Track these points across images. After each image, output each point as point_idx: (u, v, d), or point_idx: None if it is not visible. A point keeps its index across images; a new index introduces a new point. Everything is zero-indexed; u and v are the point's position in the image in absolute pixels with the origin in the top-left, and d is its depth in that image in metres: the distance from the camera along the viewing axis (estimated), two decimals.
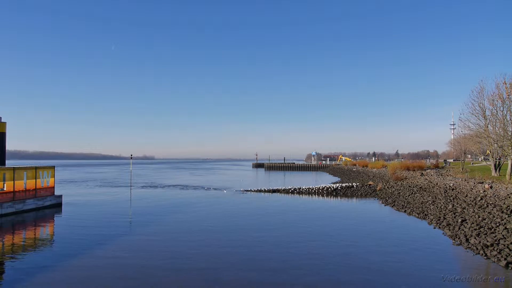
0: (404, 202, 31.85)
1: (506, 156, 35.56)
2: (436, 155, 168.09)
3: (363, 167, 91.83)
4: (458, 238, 18.10)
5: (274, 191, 44.31)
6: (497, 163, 39.42)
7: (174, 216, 26.96)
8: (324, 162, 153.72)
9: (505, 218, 19.82)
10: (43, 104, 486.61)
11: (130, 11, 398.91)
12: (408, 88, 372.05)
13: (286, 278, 12.92)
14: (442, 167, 66.72)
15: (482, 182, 31.96)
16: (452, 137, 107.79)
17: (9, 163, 44.13)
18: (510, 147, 33.49)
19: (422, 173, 53.57)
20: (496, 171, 38.85)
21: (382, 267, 14.17)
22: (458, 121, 46.17)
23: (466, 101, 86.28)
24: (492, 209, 22.45)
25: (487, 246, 15.98)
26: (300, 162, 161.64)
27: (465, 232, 18.83)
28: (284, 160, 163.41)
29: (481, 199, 26.07)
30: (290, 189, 44.18)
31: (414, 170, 59.68)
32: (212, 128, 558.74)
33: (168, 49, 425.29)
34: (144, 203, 35.15)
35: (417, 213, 25.99)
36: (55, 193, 32.38)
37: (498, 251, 15.11)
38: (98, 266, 14.19)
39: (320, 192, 42.79)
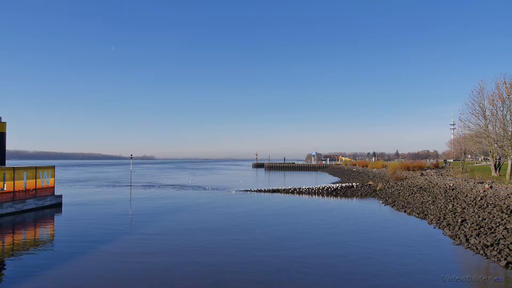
0: (404, 202, 31.85)
1: (506, 156, 35.56)
2: (436, 155, 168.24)
3: (363, 167, 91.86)
4: (458, 238, 18.10)
5: (274, 191, 44.30)
6: (497, 163, 39.43)
7: (174, 216, 26.95)
8: (324, 162, 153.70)
9: (505, 218, 19.82)
10: (43, 104, 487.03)
11: (130, 11, 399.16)
12: (408, 88, 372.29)
13: (287, 278, 12.92)
14: (442, 167, 66.73)
15: (482, 182, 31.96)
16: (452, 137, 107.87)
17: (9, 163, 44.12)
18: (510, 147, 33.49)
19: (422, 173, 53.58)
20: (496, 171, 38.86)
21: (382, 266, 14.17)
22: (458, 121, 46.22)
23: (466, 101, 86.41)
24: (492, 209, 22.45)
25: (487, 246, 15.98)
26: (300, 162, 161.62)
27: (465, 232, 18.83)
28: (284, 160, 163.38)
29: (481, 199, 26.06)
30: (290, 189, 44.17)
31: (414, 170, 59.72)
32: (212, 128, 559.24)
33: (169, 49, 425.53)
34: (144, 203, 35.15)
35: (417, 213, 25.99)
36: (55, 193, 32.39)
37: (498, 251, 15.11)
38: (98, 266, 14.18)
39: (320, 192, 42.78)
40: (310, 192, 42.94)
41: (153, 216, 26.69)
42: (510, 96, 33.83)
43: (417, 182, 43.72)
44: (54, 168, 33.11)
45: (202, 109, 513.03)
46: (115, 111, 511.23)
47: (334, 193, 42.01)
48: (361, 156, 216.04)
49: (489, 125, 37.63)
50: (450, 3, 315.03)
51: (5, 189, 27.00)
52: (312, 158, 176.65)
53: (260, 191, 44.83)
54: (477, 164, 67.59)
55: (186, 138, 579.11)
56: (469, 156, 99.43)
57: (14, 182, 27.75)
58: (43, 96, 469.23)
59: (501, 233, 17.31)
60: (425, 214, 25.26)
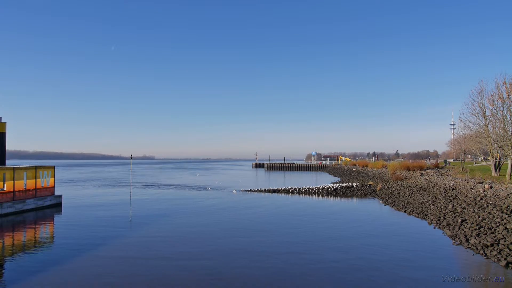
0: (404, 202, 31.85)
1: (506, 156, 35.55)
2: (436, 155, 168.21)
3: (363, 167, 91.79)
4: (458, 238, 18.10)
5: (274, 191, 44.29)
6: (497, 163, 39.41)
7: (175, 216, 26.95)
8: (324, 162, 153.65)
9: (505, 218, 19.82)
10: (43, 104, 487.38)
11: (130, 11, 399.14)
12: (408, 88, 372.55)
13: (288, 278, 12.92)
14: (442, 167, 66.70)
15: (482, 182, 31.96)
16: (452, 137, 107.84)
17: (9, 163, 44.11)
18: (510, 147, 33.49)
19: (422, 173, 53.56)
20: (496, 171, 38.84)
21: (382, 267, 14.17)
22: (458, 121, 46.19)
23: (466, 101, 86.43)
24: (492, 209, 22.45)
25: (487, 246, 15.98)
26: (300, 162, 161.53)
27: (465, 232, 18.83)
28: (284, 160, 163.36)
29: (481, 199, 26.06)
30: (290, 189, 44.17)
31: (414, 170, 59.66)
32: (212, 128, 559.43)
33: (168, 49, 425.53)
34: (144, 203, 35.14)
35: (417, 213, 25.98)
36: (55, 193, 32.38)
37: (498, 251, 15.11)
38: (98, 266, 14.18)
39: (320, 192, 42.78)
40: (310, 192, 42.93)
41: (154, 217, 26.68)
42: (510, 96, 33.83)
43: (417, 182, 43.71)
44: (54, 168, 33.10)
45: (202, 109, 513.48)
46: (115, 111, 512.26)
47: (334, 193, 42.00)
48: (361, 156, 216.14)
49: (489, 125, 37.62)
50: (450, 3, 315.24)
51: (5, 189, 27.00)
52: (312, 158, 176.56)
53: (260, 191, 44.83)
54: (477, 164, 67.58)
55: (186, 138, 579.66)
56: (469, 156, 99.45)
57: (14, 182, 27.74)
58: (43, 96, 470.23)
59: (501, 233, 17.31)
60: (425, 214, 25.25)
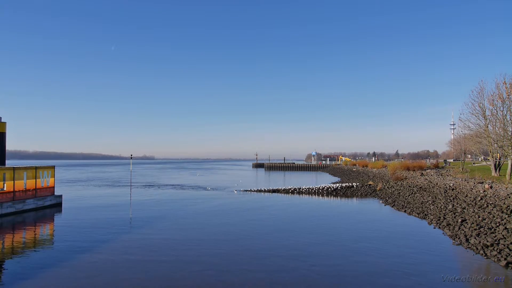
0: (404, 202, 31.85)
1: (506, 156, 35.54)
2: (436, 155, 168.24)
3: (363, 167, 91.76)
4: (458, 238, 18.10)
5: (274, 191, 44.29)
6: (497, 163, 39.41)
7: (175, 216, 26.95)
8: (324, 162, 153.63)
9: (505, 218, 19.82)
10: (43, 104, 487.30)
11: (130, 11, 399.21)
12: (408, 88, 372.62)
13: (289, 278, 12.92)
14: (442, 167, 66.69)
15: (482, 182, 31.95)
16: (452, 137, 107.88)
17: (9, 163, 44.12)
18: (510, 147, 33.49)
19: (422, 173, 53.55)
20: (496, 171, 38.84)
21: (382, 267, 14.17)
22: (458, 121, 46.22)
23: (466, 101, 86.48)
24: (492, 209, 22.45)
25: (487, 246, 15.98)
26: (300, 162, 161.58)
27: (465, 232, 18.83)
28: (284, 160, 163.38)
29: (481, 199, 26.06)
30: (290, 189, 44.16)
31: (414, 170, 59.64)
32: (212, 128, 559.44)
33: (168, 49, 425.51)
34: (145, 203, 35.11)
35: (417, 213, 25.99)
36: (55, 193, 32.38)
37: (498, 251, 15.11)
38: (98, 267, 14.18)
39: (320, 192, 42.77)
40: (310, 192, 42.93)
41: (154, 218, 26.66)
42: (510, 96, 33.83)
43: (417, 182, 43.69)
44: (54, 168, 33.10)
45: (202, 109, 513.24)
46: (115, 111, 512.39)
47: (334, 193, 42.00)
48: (361, 156, 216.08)
49: (489, 125, 37.62)
50: (450, 3, 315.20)
51: (5, 189, 27.00)
52: (312, 158, 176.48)
53: (260, 191, 44.83)
54: (476, 164, 67.57)
55: (186, 138, 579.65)
56: (469, 156, 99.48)
57: (14, 182, 27.74)
58: (43, 96, 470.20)
59: (501, 233, 17.31)
60: (425, 214, 25.26)
